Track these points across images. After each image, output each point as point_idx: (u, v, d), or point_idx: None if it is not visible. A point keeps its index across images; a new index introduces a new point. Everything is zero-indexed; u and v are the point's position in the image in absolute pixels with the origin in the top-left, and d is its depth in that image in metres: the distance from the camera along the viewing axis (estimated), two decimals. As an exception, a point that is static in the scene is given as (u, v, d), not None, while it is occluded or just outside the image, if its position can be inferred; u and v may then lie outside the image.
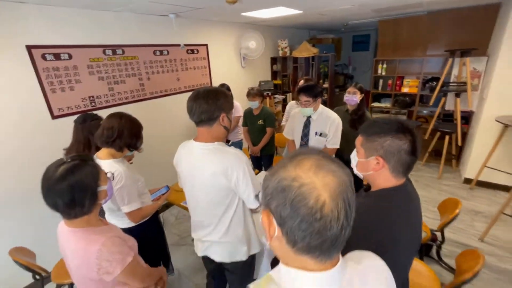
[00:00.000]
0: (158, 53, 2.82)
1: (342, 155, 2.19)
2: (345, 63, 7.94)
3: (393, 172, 0.89)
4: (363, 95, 2.36)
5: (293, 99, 4.00)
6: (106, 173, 1.01)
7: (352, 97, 2.34)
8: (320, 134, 2.11)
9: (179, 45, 3.00)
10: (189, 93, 3.45)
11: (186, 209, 2.09)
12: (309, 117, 2.14)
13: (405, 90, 4.13)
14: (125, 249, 0.96)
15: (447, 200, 2.02)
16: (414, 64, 4.10)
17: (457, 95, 3.43)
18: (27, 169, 2.03)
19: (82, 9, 2.15)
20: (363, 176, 0.97)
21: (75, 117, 2.18)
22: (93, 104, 2.35)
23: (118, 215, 1.44)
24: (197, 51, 3.29)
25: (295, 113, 2.30)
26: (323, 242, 0.44)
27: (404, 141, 0.85)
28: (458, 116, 3.43)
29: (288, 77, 4.83)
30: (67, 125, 2.16)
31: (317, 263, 0.46)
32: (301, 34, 5.64)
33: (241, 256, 1.33)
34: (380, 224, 0.82)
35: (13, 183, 1.98)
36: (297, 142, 2.28)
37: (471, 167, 3.34)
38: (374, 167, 0.89)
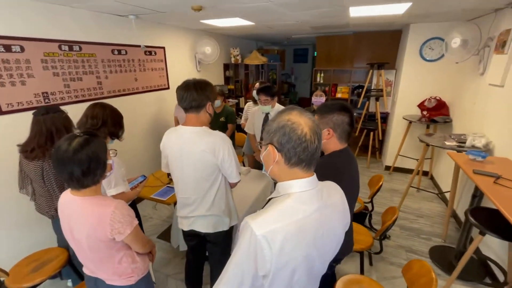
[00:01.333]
0: (116, 52, 2.81)
1: None
2: (288, 73, 8.77)
3: (339, 139, 1.26)
4: (327, 97, 2.83)
5: (245, 103, 4.37)
6: (109, 150, 1.13)
7: (319, 99, 2.78)
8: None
9: (137, 45, 3.04)
10: (147, 94, 3.47)
11: (157, 201, 2.17)
12: (267, 114, 2.49)
13: (339, 95, 4.92)
14: (132, 213, 1.09)
15: (374, 177, 2.61)
16: (345, 74, 4.95)
17: (377, 99, 4.30)
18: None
19: (36, 1, 2.07)
20: None
21: (26, 113, 2.09)
22: (46, 100, 2.23)
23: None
24: (155, 53, 3.36)
25: (255, 111, 2.62)
26: (307, 155, 0.72)
27: (345, 116, 1.23)
28: (378, 116, 4.29)
29: (240, 83, 5.18)
30: (18, 121, 2.05)
31: (303, 172, 0.75)
32: (250, 44, 6.11)
33: (223, 226, 1.55)
34: (332, 172, 1.17)
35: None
36: (258, 136, 2.60)
37: (389, 156, 4.21)
38: (326, 136, 1.25)
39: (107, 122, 1.55)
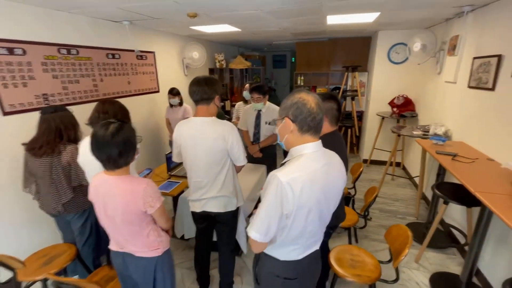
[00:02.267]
0: (110, 56, 2.91)
1: None
2: (268, 77, 9.13)
3: (330, 123, 1.53)
4: None
5: (231, 106, 4.60)
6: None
7: None
8: (269, 123, 2.71)
9: (130, 50, 3.15)
10: (139, 96, 3.57)
11: (162, 194, 2.30)
12: (259, 111, 2.72)
13: (318, 96, 5.29)
14: (159, 190, 1.26)
15: (354, 165, 2.93)
16: (323, 77, 5.35)
17: (353, 99, 4.73)
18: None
19: (37, 6, 2.15)
20: None
21: (28, 114, 2.15)
22: (46, 102, 2.29)
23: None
24: (146, 57, 3.48)
25: (247, 108, 2.84)
26: (314, 124, 0.96)
27: (333, 103, 1.50)
28: (354, 114, 4.71)
29: (226, 87, 5.39)
30: (20, 122, 2.10)
31: (312, 137, 0.98)
32: (232, 50, 6.36)
33: (232, 206, 1.74)
34: (326, 147, 1.43)
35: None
36: (251, 131, 2.82)
37: (366, 150, 4.62)
38: None
39: (117, 117, 1.68)
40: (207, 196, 1.67)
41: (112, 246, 1.36)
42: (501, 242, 1.92)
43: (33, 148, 1.73)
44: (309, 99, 0.96)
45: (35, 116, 2.14)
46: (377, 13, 2.72)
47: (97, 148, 1.13)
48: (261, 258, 1.13)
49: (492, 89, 2.14)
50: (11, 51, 2.01)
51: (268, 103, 2.74)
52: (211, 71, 5.31)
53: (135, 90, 3.33)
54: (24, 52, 2.10)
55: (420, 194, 3.09)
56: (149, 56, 3.55)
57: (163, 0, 2.05)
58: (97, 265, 2.15)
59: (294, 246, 1.03)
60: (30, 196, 2.06)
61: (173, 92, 3.43)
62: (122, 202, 1.17)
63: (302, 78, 5.35)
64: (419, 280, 2.16)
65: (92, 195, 1.25)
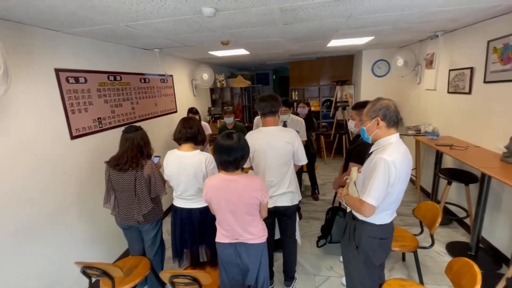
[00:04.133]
0: (143, 81, 3.13)
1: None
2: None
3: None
4: (309, 107, 3.59)
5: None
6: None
7: (302, 110, 3.53)
8: (297, 131, 3.11)
9: (158, 74, 3.39)
10: (163, 117, 3.77)
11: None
12: (285, 122, 3.12)
13: (312, 108, 5.87)
14: (264, 184, 1.56)
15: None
16: (314, 91, 5.97)
17: (343, 109, 5.36)
18: (48, 194, 1.96)
19: (94, 39, 2.37)
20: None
21: (87, 138, 2.32)
22: (100, 125, 2.44)
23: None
24: (167, 80, 3.73)
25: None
26: (397, 119, 1.37)
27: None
28: (346, 122, 5.33)
29: (227, 104, 5.74)
30: (79, 145, 2.23)
31: (395, 130, 1.39)
32: (224, 71, 6.79)
33: (296, 200, 2.06)
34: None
35: (36, 208, 1.88)
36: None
37: (360, 153, 5.22)
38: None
39: (200, 130, 1.96)
40: (278, 192, 1.98)
41: (222, 239, 1.59)
42: (495, 210, 2.47)
43: (119, 164, 1.89)
44: (390, 103, 1.38)
45: (90, 139, 2.33)
46: (372, 37, 3.34)
47: (227, 153, 1.41)
48: (358, 226, 1.48)
49: (469, 93, 2.79)
50: (76, 79, 2.19)
51: (291, 114, 3.15)
52: (212, 90, 5.64)
53: (160, 111, 3.54)
54: (86, 80, 2.28)
55: (419, 183, 3.67)
56: (169, 79, 3.80)
57: (214, 31, 2.40)
58: (164, 274, 2.28)
59: (388, 212, 1.41)
60: (91, 212, 2.18)
61: (193, 111, 3.69)
62: (245, 195, 1.45)
63: (296, 93, 5.92)
64: (438, 249, 2.64)
65: (212, 194, 1.50)
